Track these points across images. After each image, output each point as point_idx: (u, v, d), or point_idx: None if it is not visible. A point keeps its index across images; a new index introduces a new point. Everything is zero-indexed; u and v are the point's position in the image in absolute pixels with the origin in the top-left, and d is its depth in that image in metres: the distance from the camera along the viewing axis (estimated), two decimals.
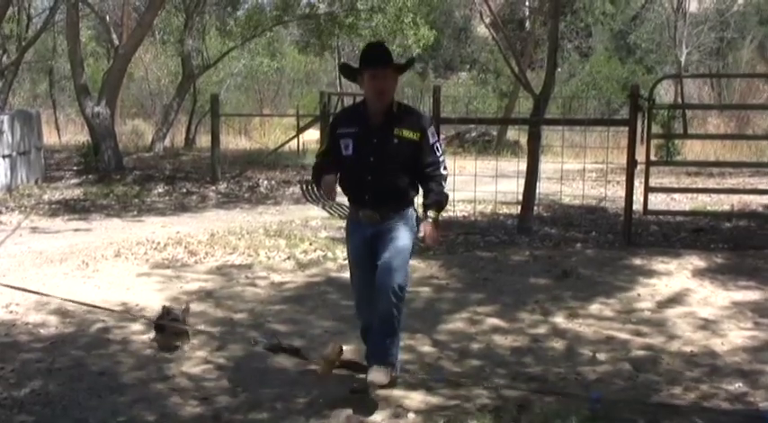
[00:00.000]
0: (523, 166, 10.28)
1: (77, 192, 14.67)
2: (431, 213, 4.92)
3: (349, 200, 5.17)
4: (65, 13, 19.09)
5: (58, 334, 6.37)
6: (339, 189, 5.05)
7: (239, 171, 17.08)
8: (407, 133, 4.87)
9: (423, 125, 4.94)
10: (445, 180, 4.98)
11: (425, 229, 4.90)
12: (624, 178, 9.79)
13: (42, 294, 6.77)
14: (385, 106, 4.91)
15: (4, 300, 7.07)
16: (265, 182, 15.98)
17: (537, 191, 10.26)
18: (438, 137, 5.03)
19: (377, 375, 4.85)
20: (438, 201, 4.96)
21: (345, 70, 5.27)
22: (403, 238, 4.97)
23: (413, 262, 8.60)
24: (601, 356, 5.95)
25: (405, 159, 4.88)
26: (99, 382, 5.32)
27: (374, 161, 4.89)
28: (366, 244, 5.04)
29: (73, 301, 6.62)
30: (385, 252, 4.91)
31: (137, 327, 6.51)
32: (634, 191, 9.67)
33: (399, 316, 4.99)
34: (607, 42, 36.67)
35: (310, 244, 9.46)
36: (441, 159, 4.96)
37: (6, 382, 5.31)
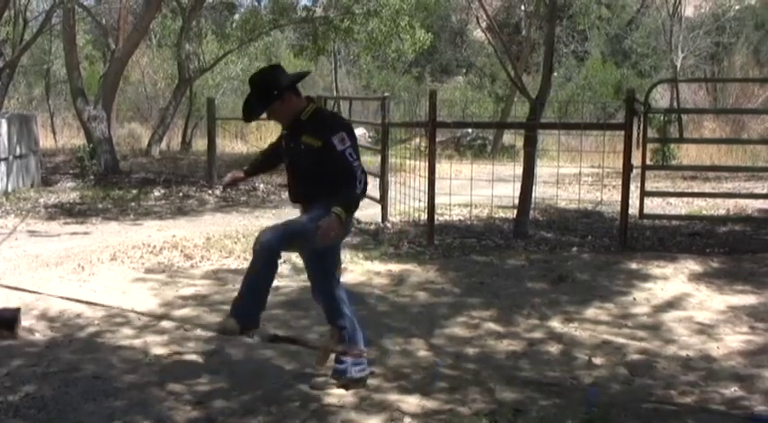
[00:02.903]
0: (519, 169, 10.29)
1: (74, 195, 14.64)
2: (334, 208, 4.95)
3: None
4: (61, 17, 19.07)
5: (53, 337, 6.35)
6: None
7: None
8: (311, 140, 5.09)
9: (327, 134, 5.03)
10: (361, 182, 5.04)
11: (324, 220, 4.94)
12: (620, 182, 9.80)
13: (39, 293, 6.77)
14: (295, 116, 5.19)
15: None
16: (262, 186, 15.96)
17: (533, 195, 10.27)
18: (352, 141, 5.08)
19: (226, 323, 5.14)
20: (343, 200, 5.00)
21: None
22: (308, 216, 5.16)
23: (408, 266, 8.63)
24: (597, 360, 5.96)
25: (311, 165, 5.10)
26: (94, 385, 5.31)
27: (288, 165, 5.35)
28: None
29: (70, 299, 6.61)
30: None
31: (131, 330, 6.50)
32: (630, 195, 9.67)
33: (258, 268, 5.16)
34: (603, 47, 36.70)
35: None
36: (354, 165, 5.01)
37: (1, 385, 5.29)
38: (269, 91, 5.13)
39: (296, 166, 5.25)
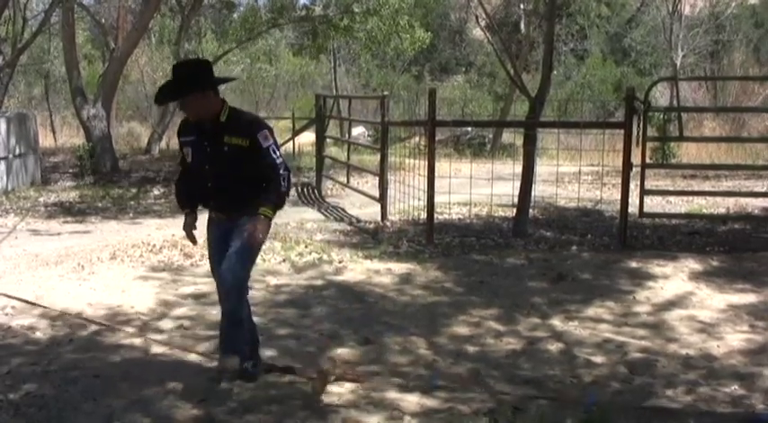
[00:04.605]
0: (519, 168, 10.28)
1: (73, 194, 14.65)
2: (261, 209, 5.02)
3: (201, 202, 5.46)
4: (60, 16, 19.07)
5: (53, 336, 6.35)
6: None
7: None
8: (236, 140, 5.05)
9: (252, 131, 5.07)
10: (285, 180, 5.11)
11: (253, 223, 5.01)
12: (620, 181, 9.79)
13: (29, 303, 6.77)
14: (212, 116, 5.09)
15: None
16: None
17: (532, 193, 10.26)
18: (273, 139, 5.15)
19: (227, 361, 5.18)
20: (270, 199, 5.07)
21: (161, 102, 5.56)
22: (248, 235, 5.10)
23: (408, 265, 8.64)
24: (596, 359, 5.95)
25: (238, 165, 5.07)
26: (94, 384, 5.31)
27: (209, 169, 5.15)
28: (219, 242, 5.28)
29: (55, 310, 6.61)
30: (230, 251, 5.14)
31: (131, 329, 6.50)
32: (630, 193, 9.67)
33: (241, 309, 5.23)
34: (602, 45, 36.70)
35: (306, 246, 9.46)
36: (278, 162, 5.08)
37: (2, 384, 5.29)
38: (189, 81, 5.04)
39: (219, 170, 5.11)
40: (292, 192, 14.68)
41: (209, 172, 5.16)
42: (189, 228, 5.48)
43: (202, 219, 5.57)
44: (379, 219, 11.49)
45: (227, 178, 5.11)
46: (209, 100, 5.09)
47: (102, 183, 15.92)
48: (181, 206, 5.55)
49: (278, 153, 5.14)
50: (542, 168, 12.34)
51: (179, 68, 5.27)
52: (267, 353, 5.92)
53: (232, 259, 5.11)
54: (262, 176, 5.09)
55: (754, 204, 12.57)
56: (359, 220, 11.64)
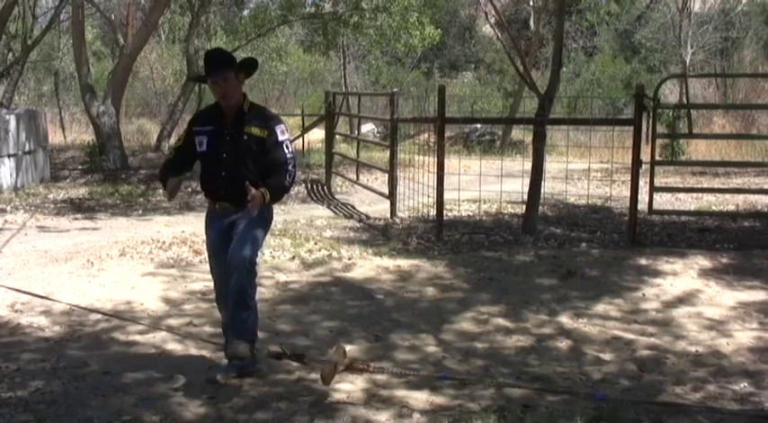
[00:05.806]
0: (528, 165, 10.27)
1: (83, 191, 14.68)
2: (263, 188, 5.12)
3: (205, 193, 5.57)
4: (70, 13, 19.11)
5: (63, 333, 6.37)
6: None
7: None
8: (256, 131, 5.25)
9: (271, 124, 5.29)
10: (291, 176, 5.28)
11: (255, 192, 5.03)
12: (629, 178, 9.78)
13: (44, 298, 6.78)
14: (235, 105, 5.28)
15: (9, 299, 7.09)
16: None
17: (542, 190, 10.25)
18: (288, 135, 5.36)
19: (238, 347, 5.16)
20: (273, 186, 5.20)
21: (196, 79, 5.69)
22: (255, 222, 5.24)
23: (417, 262, 8.64)
24: (606, 356, 5.95)
25: (255, 155, 5.24)
26: (103, 381, 5.33)
27: (227, 157, 5.27)
28: (223, 235, 5.36)
29: (71, 305, 6.62)
30: (238, 235, 5.23)
31: (140, 326, 6.51)
32: (639, 190, 9.65)
33: (252, 292, 5.28)
34: (612, 42, 36.60)
35: (315, 243, 9.46)
36: (289, 157, 5.28)
37: (11, 380, 5.31)
38: (231, 58, 5.28)
39: (236, 159, 5.24)
40: (302, 188, 14.76)
41: (225, 161, 5.27)
42: (176, 182, 5.35)
43: (201, 216, 5.58)
44: (388, 215, 11.50)
45: (242, 168, 5.23)
46: (239, 86, 5.29)
47: (112, 179, 15.95)
48: (164, 178, 5.46)
49: (291, 149, 5.31)
50: (552, 165, 12.32)
51: (218, 50, 5.42)
52: (274, 349, 5.92)
53: (240, 239, 5.19)
54: (272, 168, 5.22)
55: (763, 201, 12.53)
56: (368, 217, 11.64)
